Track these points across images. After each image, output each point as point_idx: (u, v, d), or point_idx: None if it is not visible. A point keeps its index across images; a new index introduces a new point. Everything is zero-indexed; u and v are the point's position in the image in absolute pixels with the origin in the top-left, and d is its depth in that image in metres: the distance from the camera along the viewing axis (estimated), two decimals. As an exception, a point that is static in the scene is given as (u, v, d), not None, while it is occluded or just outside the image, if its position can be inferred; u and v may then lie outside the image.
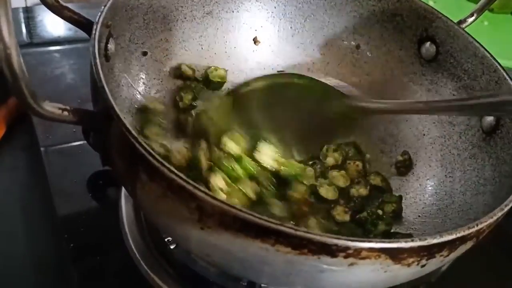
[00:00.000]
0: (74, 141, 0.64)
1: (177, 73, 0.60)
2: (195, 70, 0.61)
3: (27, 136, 0.65)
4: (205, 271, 0.51)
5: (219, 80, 0.62)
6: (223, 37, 0.64)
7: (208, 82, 0.62)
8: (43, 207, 0.57)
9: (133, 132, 0.33)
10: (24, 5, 0.88)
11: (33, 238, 0.54)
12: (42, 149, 0.63)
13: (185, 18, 0.60)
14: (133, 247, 0.52)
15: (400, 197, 0.55)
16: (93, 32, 0.41)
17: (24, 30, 0.83)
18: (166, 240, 0.52)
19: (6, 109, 0.64)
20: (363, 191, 0.55)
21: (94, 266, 0.52)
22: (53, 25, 0.85)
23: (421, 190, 0.56)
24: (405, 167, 0.58)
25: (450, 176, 0.54)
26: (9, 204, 0.57)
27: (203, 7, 0.61)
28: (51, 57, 0.80)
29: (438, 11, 0.58)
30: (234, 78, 0.64)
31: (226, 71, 0.63)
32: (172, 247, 0.52)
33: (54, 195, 0.57)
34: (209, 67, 0.62)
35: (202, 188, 0.32)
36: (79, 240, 0.54)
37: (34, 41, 0.82)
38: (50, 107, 0.34)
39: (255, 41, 0.65)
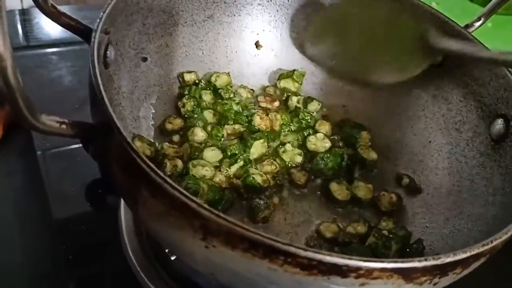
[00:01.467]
0: (72, 145, 0.62)
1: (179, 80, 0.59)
2: (197, 76, 0.60)
3: (24, 140, 0.64)
4: (206, 283, 0.49)
5: (226, 85, 0.61)
6: (224, 42, 0.62)
7: (216, 91, 0.61)
8: (40, 213, 0.56)
9: (135, 146, 0.32)
10: (20, 7, 0.86)
11: (29, 244, 0.53)
12: (38, 153, 0.62)
13: (186, 22, 0.58)
14: (132, 257, 0.51)
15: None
16: (92, 40, 0.39)
17: (20, 32, 0.82)
18: (166, 251, 0.51)
19: (3, 113, 0.63)
20: (361, 228, 0.51)
21: (91, 274, 0.52)
22: (50, 27, 0.84)
23: (428, 199, 0.54)
24: (412, 190, 0.56)
25: (457, 185, 0.53)
26: (6, 210, 0.56)
27: (204, 11, 0.59)
28: (48, 60, 0.79)
29: (444, 15, 0.57)
30: (236, 82, 0.63)
31: (228, 74, 0.62)
32: (172, 258, 0.51)
33: (51, 200, 0.56)
34: (211, 75, 0.61)
35: (207, 206, 0.30)
36: (76, 247, 0.53)
37: (31, 43, 0.81)
38: (47, 121, 0.32)
39: (257, 45, 0.64)
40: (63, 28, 0.83)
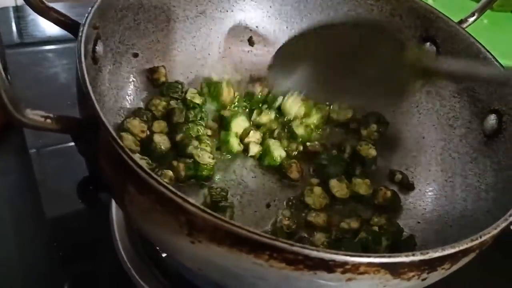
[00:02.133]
0: (65, 143, 0.62)
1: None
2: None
3: (18, 139, 0.64)
4: (197, 279, 0.49)
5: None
6: (217, 38, 0.62)
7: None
8: (34, 211, 0.56)
9: (120, 142, 0.32)
10: (14, 4, 0.86)
11: (23, 242, 0.53)
12: (33, 151, 0.62)
13: (178, 18, 0.58)
14: (123, 254, 0.50)
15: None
16: (79, 34, 0.39)
17: (14, 29, 0.82)
18: (157, 248, 0.51)
19: (-4, 112, 0.63)
20: (354, 224, 0.51)
21: (83, 272, 0.51)
22: (45, 25, 0.84)
23: (421, 195, 0.54)
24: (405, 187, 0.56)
25: (450, 181, 0.52)
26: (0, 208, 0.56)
27: (196, 6, 0.59)
28: (43, 57, 0.78)
29: (438, 10, 0.56)
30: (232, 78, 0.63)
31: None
32: (163, 255, 0.50)
33: (44, 199, 0.56)
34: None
35: (192, 201, 0.30)
36: (68, 245, 0.53)
37: (25, 40, 0.81)
38: (32, 115, 0.32)
39: (250, 41, 0.64)
40: (57, 26, 0.83)
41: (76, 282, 0.50)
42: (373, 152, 0.58)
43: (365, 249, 0.48)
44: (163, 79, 0.57)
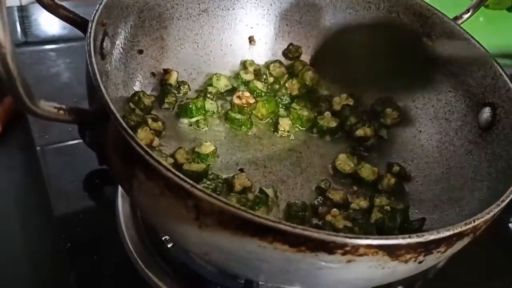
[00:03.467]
0: (71, 140, 0.63)
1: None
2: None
3: (23, 135, 0.65)
4: (202, 269, 0.50)
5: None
6: (219, 35, 0.63)
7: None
8: (40, 207, 0.57)
9: (129, 130, 0.33)
10: (18, 4, 0.87)
11: (30, 237, 0.54)
12: (38, 148, 0.63)
13: (181, 16, 0.59)
14: (130, 245, 0.52)
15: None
16: (88, 30, 0.40)
17: (19, 29, 0.83)
18: (163, 238, 0.52)
19: (2, 109, 0.64)
20: (363, 203, 0.52)
21: (91, 265, 0.52)
22: (48, 24, 0.85)
23: (418, 187, 0.56)
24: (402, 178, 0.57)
25: (446, 173, 0.54)
26: (6, 204, 0.57)
27: (199, 5, 0.61)
28: (46, 56, 0.79)
29: (434, 7, 0.58)
30: (230, 75, 0.64)
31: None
32: (169, 245, 0.52)
33: (51, 195, 0.57)
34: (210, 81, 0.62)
35: (200, 187, 0.31)
36: (76, 239, 0.54)
37: (29, 40, 0.82)
38: (46, 106, 0.34)
39: (251, 40, 0.65)
40: (61, 25, 0.84)
41: (83, 274, 0.51)
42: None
43: (381, 229, 0.49)
44: (172, 82, 0.59)
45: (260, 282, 0.47)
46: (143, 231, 0.53)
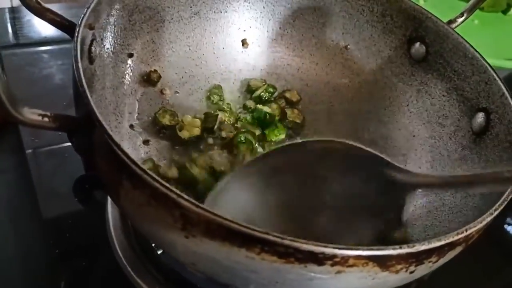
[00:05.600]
0: (61, 143, 0.63)
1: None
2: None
3: (14, 138, 0.64)
4: (193, 276, 0.50)
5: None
6: (211, 38, 0.63)
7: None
8: (31, 210, 0.56)
9: (115, 139, 0.32)
10: (9, 5, 0.87)
11: (20, 241, 0.53)
12: (29, 151, 0.62)
13: (172, 18, 0.59)
14: (119, 251, 0.51)
15: None
16: (75, 34, 0.40)
17: (10, 30, 0.82)
18: (153, 245, 0.51)
19: (-11, 114, 0.63)
20: None
21: (80, 270, 0.52)
22: (40, 26, 0.84)
23: (411, 192, 0.55)
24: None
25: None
26: (-3, 207, 0.56)
27: (190, 7, 0.60)
28: (38, 58, 0.79)
29: (427, 11, 0.58)
30: (223, 79, 0.64)
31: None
32: (159, 252, 0.51)
33: (40, 198, 0.57)
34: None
35: (186, 196, 0.31)
36: (65, 244, 0.53)
37: (21, 41, 0.81)
38: (30, 114, 0.33)
39: (244, 43, 0.65)
40: (53, 27, 0.84)
41: (73, 280, 0.51)
42: None
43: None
44: (155, 78, 0.58)
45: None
46: (133, 237, 0.52)
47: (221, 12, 0.63)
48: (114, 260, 0.51)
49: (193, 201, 0.31)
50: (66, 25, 0.45)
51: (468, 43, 0.54)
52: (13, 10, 0.86)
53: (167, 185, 0.31)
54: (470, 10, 0.59)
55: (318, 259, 0.31)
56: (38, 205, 0.56)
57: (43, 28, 0.84)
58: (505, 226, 0.64)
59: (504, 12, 0.98)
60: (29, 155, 0.62)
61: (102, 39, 0.48)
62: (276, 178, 0.44)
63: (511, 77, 0.87)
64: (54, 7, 0.46)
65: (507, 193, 0.38)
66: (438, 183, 0.43)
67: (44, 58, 0.79)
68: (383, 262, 0.32)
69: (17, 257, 0.52)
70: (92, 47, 0.45)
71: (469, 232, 0.35)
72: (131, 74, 0.55)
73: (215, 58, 0.63)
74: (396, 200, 0.43)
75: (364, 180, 0.43)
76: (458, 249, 0.37)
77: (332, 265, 0.31)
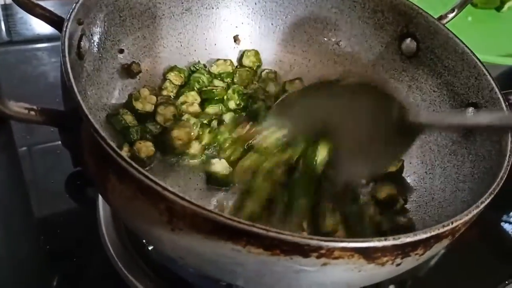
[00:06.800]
0: (53, 141, 0.62)
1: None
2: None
3: (5, 135, 0.64)
4: (184, 272, 0.50)
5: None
6: (203, 34, 0.63)
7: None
8: (22, 207, 0.56)
9: (102, 132, 0.32)
10: (2, 3, 0.86)
11: (12, 239, 0.53)
12: (23, 149, 0.62)
13: (163, 14, 0.59)
14: (110, 248, 0.51)
15: None
16: (63, 29, 0.40)
17: (3, 28, 0.82)
18: (143, 241, 0.51)
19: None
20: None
21: (72, 267, 0.52)
22: (34, 23, 0.84)
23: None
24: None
25: (430, 173, 0.54)
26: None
27: (182, 3, 0.60)
28: (32, 55, 0.78)
29: (418, 7, 0.58)
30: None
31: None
32: (150, 248, 0.51)
33: (32, 196, 0.56)
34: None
35: (171, 189, 0.31)
36: (56, 241, 0.53)
37: (14, 39, 0.81)
38: (16, 107, 0.33)
39: (236, 39, 0.65)
40: (44, 22, 0.83)
41: (64, 277, 0.51)
42: None
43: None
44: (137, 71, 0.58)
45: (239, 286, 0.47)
46: (124, 233, 0.52)
47: (212, 8, 0.63)
48: (106, 256, 0.51)
49: (179, 193, 0.31)
50: (55, 21, 0.45)
51: (458, 38, 0.54)
52: (6, 7, 0.86)
53: (153, 177, 0.31)
54: (461, 6, 0.60)
55: (304, 251, 0.31)
56: (30, 203, 0.56)
57: (37, 26, 0.83)
58: (502, 223, 0.64)
59: (498, 9, 0.98)
60: (23, 153, 0.62)
61: (91, 35, 0.48)
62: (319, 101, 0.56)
63: (505, 74, 0.88)
64: (48, 3, 0.46)
65: (493, 186, 0.38)
66: (444, 125, 0.51)
67: (37, 55, 0.79)
68: (368, 254, 0.32)
69: (9, 256, 0.52)
70: (82, 42, 0.45)
71: (455, 224, 0.35)
72: (121, 70, 0.55)
73: (207, 54, 0.63)
74: (405, 139, 0.51)
75: (384, 116, 0.51)
76: (445, 242, 0.37)
77: (317, 257, 0.31)
